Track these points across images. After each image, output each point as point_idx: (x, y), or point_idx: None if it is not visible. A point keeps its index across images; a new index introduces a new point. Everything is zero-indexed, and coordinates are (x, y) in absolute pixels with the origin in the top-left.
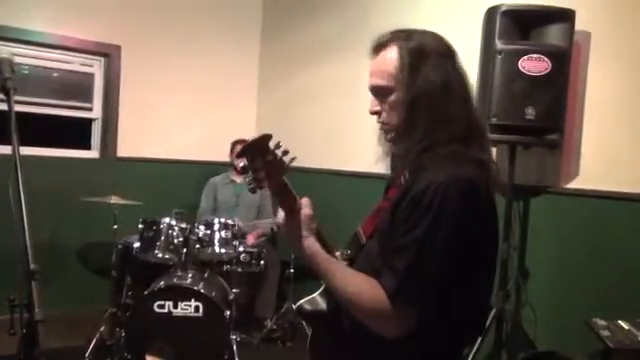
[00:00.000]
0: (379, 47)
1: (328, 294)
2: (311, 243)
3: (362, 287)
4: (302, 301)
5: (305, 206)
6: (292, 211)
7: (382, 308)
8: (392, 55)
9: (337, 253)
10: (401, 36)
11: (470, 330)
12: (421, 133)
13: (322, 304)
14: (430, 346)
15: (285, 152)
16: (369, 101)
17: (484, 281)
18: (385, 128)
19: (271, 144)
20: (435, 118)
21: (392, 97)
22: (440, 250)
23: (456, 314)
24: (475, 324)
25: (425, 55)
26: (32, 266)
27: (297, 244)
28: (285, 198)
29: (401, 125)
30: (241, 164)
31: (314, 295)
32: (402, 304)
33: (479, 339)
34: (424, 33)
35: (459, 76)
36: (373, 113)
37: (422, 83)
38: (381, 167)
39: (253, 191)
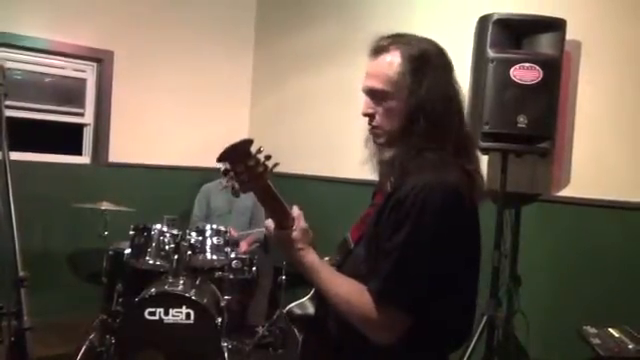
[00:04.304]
0: (379, 49)
1: (317, 299)
2: (311, 257)
3: (352, 294)
4: (291, 305)
5: (299, 218)
6: (283, 224)
7: (370, 313)
8: (394, 60)
9: (326, 258)
10: (402, 41)
11: (455, 334)
12: (415, 142)
13: (311, 308)
14: (415, 350)
15: (267, 157)
16: (362, 103)
17: (468, 284)
18: (377, 132)
19: (253, 149)
20: (432, 128)
21: (390, 103)
22: (423, 252)
23: (440, 318)
24: (460, 328)
25: (427, 64)
26: (21, 273)
27: (294, 257)
28: (272, 206)
29: (395, 132)
30: (222, 168)
31: (303, 300)
32: (387, 306)
33: (471, 346)
34: (424, 41)
35: (456, 88)
36: (366, 115)
37: (424, 93)
38: (369, 171)
39: (235, 195)
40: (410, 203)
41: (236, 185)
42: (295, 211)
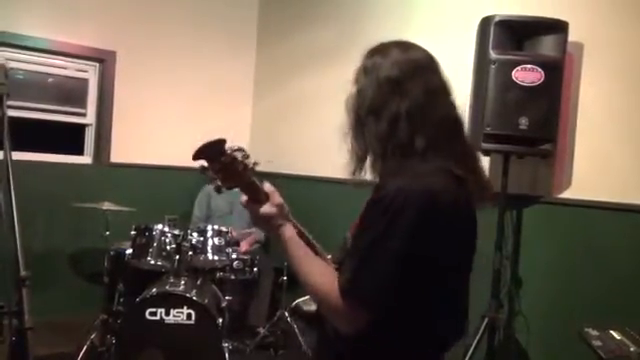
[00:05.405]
0: None
1: None
2: (290, 233)
3: (322, 281)
4: (298, 300)
5: (272, 194)
6: (257, 200)
7: (335, 304)
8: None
9: (328, 257)
10: (369, 52)
11: (442, 337)
12: (373, 142)
13: (314, 305)
14: (409, 350)
15: (245, 156)
16: None
17: (451, 288)
18: None
19: (228, 147)
20: (373, 133)
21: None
22: (389, 255)
23: (424, 320)
24: (447, 332)
25: (370, 73)
26: (23, 273)
27: (273, 232)
28: (254, 195)
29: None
30: (199, 165)
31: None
32: (351, 302)
33: (472, 347)
34: (396, 50)
35: (416, 93)
36: None
37: (358, 99)
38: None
39: (218, 191)
40: (384, 205)
41: (218, 182)
42: (267, 187)
